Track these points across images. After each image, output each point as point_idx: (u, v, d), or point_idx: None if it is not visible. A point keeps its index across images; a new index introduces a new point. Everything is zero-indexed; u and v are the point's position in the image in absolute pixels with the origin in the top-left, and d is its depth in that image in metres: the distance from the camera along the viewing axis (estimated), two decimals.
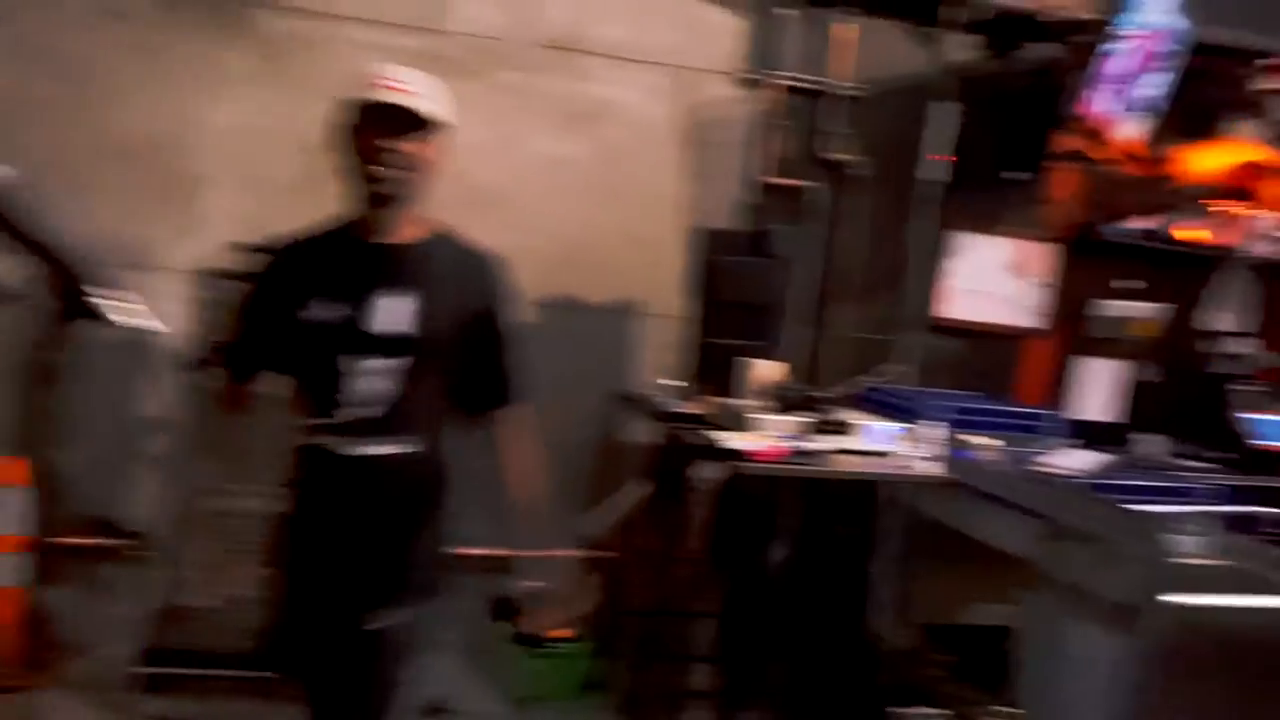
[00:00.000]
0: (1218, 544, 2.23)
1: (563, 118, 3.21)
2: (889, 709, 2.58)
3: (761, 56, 3.33)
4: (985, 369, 3.57)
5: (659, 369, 3.18)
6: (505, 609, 2.84)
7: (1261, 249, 3.53)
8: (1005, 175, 3.32)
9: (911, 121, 3.37)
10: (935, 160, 3.34)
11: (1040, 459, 2.66)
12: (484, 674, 2.93)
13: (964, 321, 3.52)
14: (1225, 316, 3.65)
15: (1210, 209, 3.42)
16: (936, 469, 2.65)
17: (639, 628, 3.00)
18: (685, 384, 3.02)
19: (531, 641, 2.96)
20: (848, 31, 3.33)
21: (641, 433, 3.12)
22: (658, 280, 3.26)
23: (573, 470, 3.20)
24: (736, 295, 3.06)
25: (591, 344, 3.24)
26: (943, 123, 3.33)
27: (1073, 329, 3.62)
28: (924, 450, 2.69)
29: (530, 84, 3.18)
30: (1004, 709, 2.37)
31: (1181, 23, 3.18)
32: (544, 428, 3.11)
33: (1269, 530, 2.64)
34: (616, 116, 3.24)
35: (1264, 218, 3.47)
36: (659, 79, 3.27)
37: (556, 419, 3.20)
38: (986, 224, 3.51)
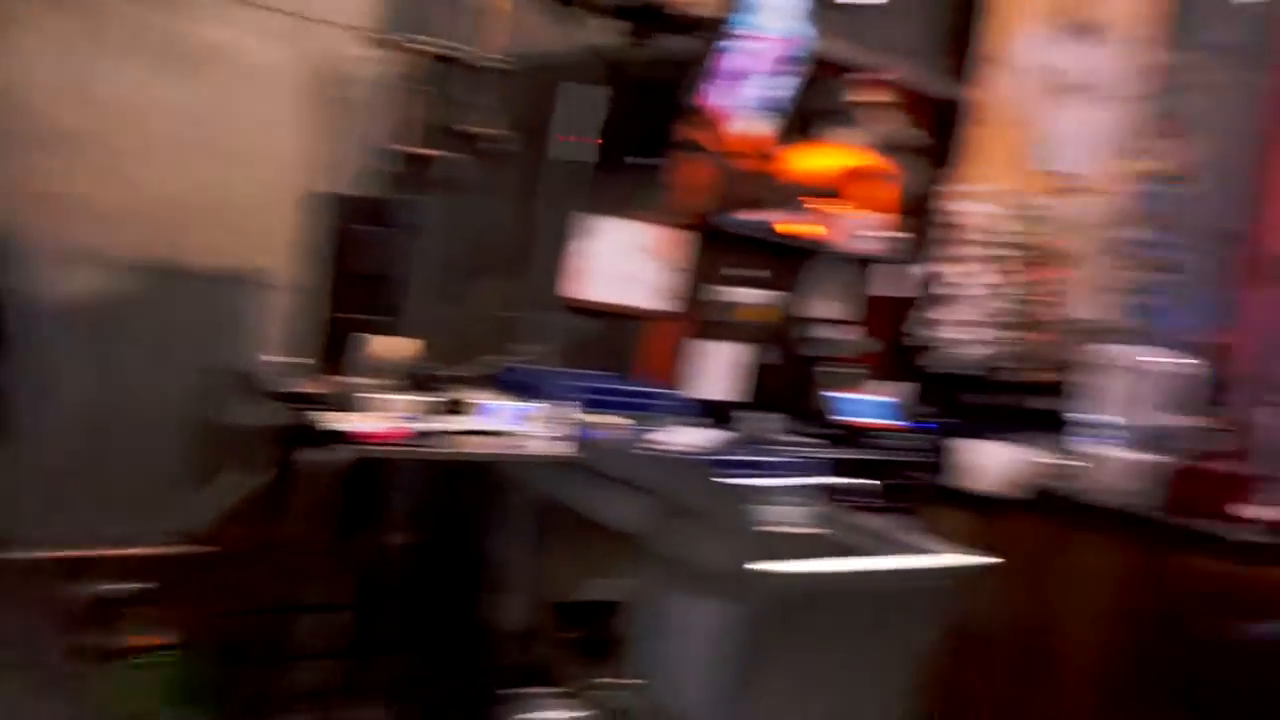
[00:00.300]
0: (809, 513, 2.41)
1: (166, 59, 2.85)
2: (505, 691, 2.55)
3: (403, 17, 3.16)
4: (621, 350, 3.66)
5: (277, 344, 2.93)
6: (90, 616, 2.49)
7: (858, 245, 3.91)
8: (636, 160, 3.41)
9: (556, 100, 3.36)
10: (572, 141, 3.36)
11: (657, 437, 2.75)
12: (64, 693, 2.56)
13: (601, 303, 3.58)
14: (827, 305, 4.02)
15: (811, 206, 3.74)
16: (563, 449, 2.66)
17: (249, 626, 2.75)
18: (305, 361, 2.81)
19: (122, 652, 2.62)
20: (499, 2, 3.25)
21: (255, 414, 2.86)
22: (277, 247, 3.00)
23: (176, 455, 2.88)
24: (364, 266, 2.90)
25: (200, 316, 2.92)
26: (581, 104, 3.35)
27: (699, 313, 3.80)
28: (553, 430, 2.69)
29: (129, 16, 2.79)
30: (618, 681, 2.41)
31: (807, 30, 3.43)
32: (144, 408, 2.80)
33: (856, 497, 2.92)
34: (232, 64, 2.93)
35: (860, 217, 3.84)
36: (283, 27, 2.99)
37: (156, 399, 2.89)
38: (624, 207, 3.59)
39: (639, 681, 2.36)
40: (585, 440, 2.68)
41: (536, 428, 2.66)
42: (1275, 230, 5.12)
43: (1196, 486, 3.10)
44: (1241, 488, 3.07)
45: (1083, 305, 4.74)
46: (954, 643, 2.93)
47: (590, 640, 2.56)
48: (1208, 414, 3.76)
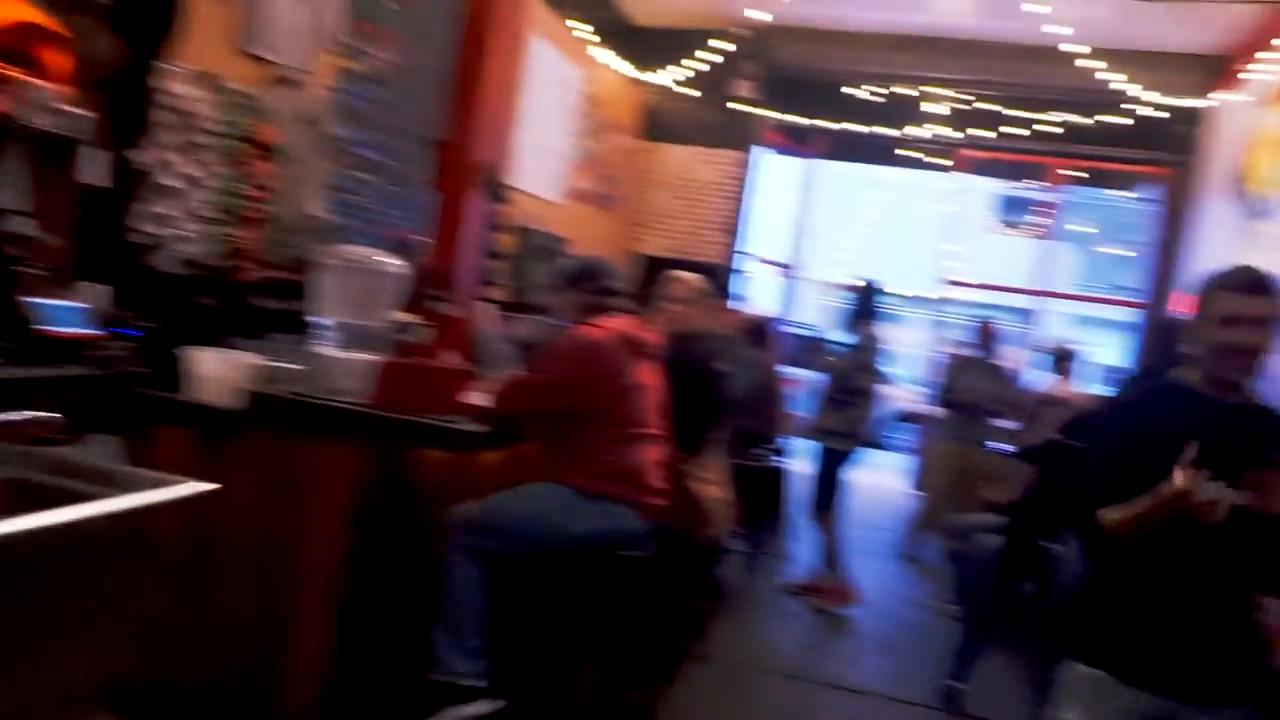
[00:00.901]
0: None
1: None
2: None
3: None
4: None
5: None
6: None
7: (41, 121, 3.22)
8: None
9: None
10: None
11: None
12: None
13: None
14: (4, 193, 3.27)
15: None
16: None
17: None
18: None
19: None
20: None
21: None
22: None
23: None
24: None
25: None
26: None
27: None
28: None
29: None
30: None
31: None
32: None
33: (45, 428, 2.42)
34: None
35: (44, 87, 3.17)
36: None
37: None
38: None
39: None
40: None
41: None
42: (477, 139, 5.64)
43: (412, 381, 3.25)
44: (453, 380, 3.31)
45: (298, 202, 4.68)
46: (184, 573, 2.68)
47: None
48: (418, 311, 4.00)
